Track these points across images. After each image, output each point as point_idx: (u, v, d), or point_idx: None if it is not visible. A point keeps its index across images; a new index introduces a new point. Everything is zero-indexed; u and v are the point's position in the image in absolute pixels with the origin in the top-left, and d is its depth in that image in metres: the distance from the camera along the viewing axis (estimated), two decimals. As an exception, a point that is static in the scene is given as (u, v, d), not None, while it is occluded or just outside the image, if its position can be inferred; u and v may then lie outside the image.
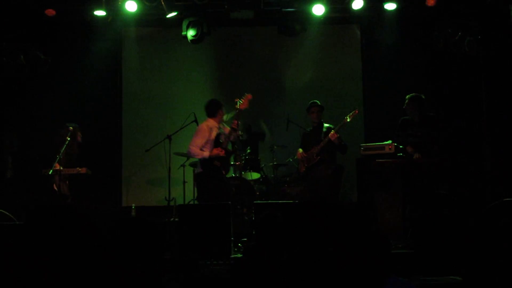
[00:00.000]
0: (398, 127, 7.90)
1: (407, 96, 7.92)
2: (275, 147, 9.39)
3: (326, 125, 8.33)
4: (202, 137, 7.94)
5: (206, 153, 7.84)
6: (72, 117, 9.04)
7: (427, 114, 7.85)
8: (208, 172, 7.92)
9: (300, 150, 8.38)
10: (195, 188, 9.00)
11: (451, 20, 8.94)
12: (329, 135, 8.03)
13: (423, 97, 7.88)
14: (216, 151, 7.88)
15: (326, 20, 9.62)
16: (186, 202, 9.22)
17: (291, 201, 8.37)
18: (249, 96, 8.11)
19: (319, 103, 8.38)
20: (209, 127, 8.03)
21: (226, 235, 6.79)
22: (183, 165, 9.27)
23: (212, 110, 8.08)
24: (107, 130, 10.26)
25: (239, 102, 8.01)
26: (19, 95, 9.71)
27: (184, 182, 9.34)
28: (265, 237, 3.74)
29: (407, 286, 3.01)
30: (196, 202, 8.90)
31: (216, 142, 7.97)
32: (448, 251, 6.13)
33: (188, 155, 8.24)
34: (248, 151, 9.13)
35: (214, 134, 8.01)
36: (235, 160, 8.82)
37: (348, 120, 8.00)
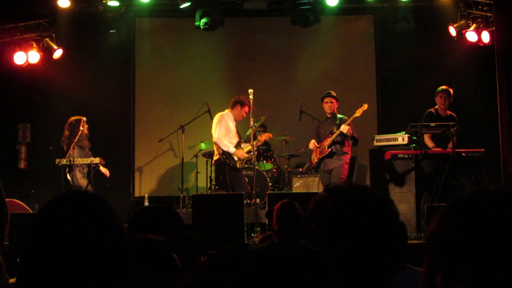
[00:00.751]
0: (423, 119, 7.84)
1: (439, 88, 7.88)
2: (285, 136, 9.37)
3: (339, 116, 8.25)
4: (220, 123, 8.11)
5: (232, 149, 8.11)
6: (85, 107, 9.08)
7: (451, 113, 7.88)
8: (225, 160, 8.11)
9: (313, 140, 8.35)
10: (209, 178, 9.04)
11: (465, 10, 8.87)
12: (341, 127, 7.97)
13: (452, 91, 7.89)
14: (242, 154, 8.21)
15: (339, 10, 9.59)
16: (199, 192, 9.24)
17: (305, 192, 8.38)
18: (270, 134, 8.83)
19: (334, 94, 8.30)
20: (224, 115, 8.21)
21: (240, 225, 6.80)
22: (196, 156, 9.28)
23: (233, 103, 8.25)
24: (120, 120, 10.29)
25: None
26: (32, 86, 9.74)
27: (196, 172, 9.36)
28: (283, 225, 3.75)
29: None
30: (209, 192, 8.94)
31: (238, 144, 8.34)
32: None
33: (216, 144, 8.31)
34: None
35: (230, 122, 8.20)
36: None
37: (357, 114, 7.94)
